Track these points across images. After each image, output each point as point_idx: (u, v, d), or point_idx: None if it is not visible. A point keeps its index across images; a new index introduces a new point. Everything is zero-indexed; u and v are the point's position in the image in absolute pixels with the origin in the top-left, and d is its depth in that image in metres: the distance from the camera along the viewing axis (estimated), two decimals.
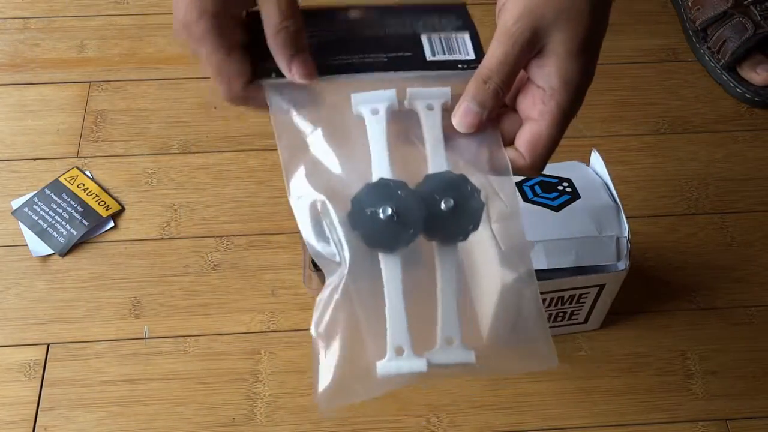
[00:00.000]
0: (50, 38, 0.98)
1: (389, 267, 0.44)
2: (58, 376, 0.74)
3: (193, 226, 0.83)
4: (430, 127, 0.47)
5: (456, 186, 0.45)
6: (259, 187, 0.86)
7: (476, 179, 0.46)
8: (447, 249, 0.45)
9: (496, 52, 0.46)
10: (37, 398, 0.73)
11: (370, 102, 0.46)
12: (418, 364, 0.43)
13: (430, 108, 0.47)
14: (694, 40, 0.97)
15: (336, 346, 0.44)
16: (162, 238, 0.82)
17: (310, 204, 0.45)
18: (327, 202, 0.45)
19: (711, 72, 0.95)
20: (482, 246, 0.49)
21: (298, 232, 0.46)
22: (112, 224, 0.83)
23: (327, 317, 0.44)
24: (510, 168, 0.47)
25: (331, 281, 0.44)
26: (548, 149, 0.47)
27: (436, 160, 0.46)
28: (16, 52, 0.97)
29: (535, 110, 0.47)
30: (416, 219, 0.44)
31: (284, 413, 0.72)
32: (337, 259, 0.44)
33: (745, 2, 0.92)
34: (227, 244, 0.82)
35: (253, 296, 0.79)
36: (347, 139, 0.47)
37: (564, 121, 0.47)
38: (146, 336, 0.76)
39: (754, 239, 0.83)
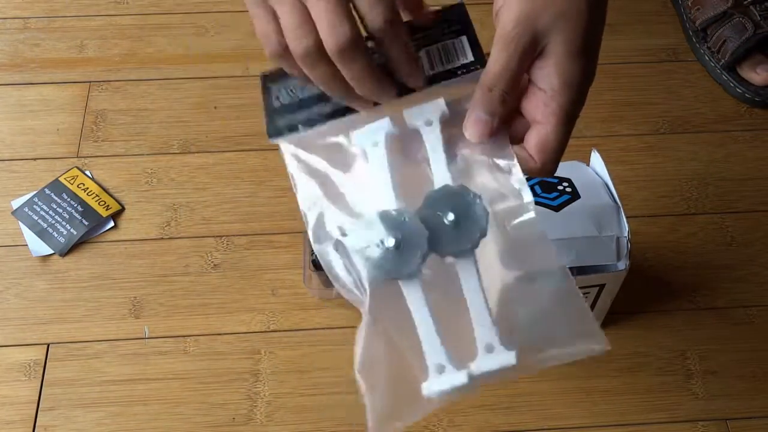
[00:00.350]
0: (50, 38, 0.98)
1: (411, 292, 0.46)
2: (58, 376, 0.74)
3: (193, 226, 0.83)
4: (431, 143, 0.48)
5: (456, 197, 0.47)
6: (259, 187, 0.86)
7: (486, 183, 0.47)
8: (463, 261, 0.46)
9: (497, 57, 0.46)
10: (37, 398, 0.73)
11: (368, 136, 0.48)
12: (460, 377, 0.45)
13: (428, 123, 0.48)
14: (694, 40, 0.97)
15: (379, 378, 0.47)
16: (162, 238, 0.82)
17: (334, 247, 0.47)
18: (344, 242, 0.47)
19: (711, 72, 0.95)
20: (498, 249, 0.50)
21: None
22: (112, 224, 0.83)
23: (364, 352, 0.46)
24: (518, 167, 0.47)
25: (364, 318, 0.46)
26: (557, 150, 0.48)
27: (438, 176, 0.47)
28: (16, 52, 0.97)
29: (539, 113, 0.47)
30: (420, 241, 0.45)
31: (284, 413, 0.72)
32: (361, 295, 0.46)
33: (745, 2, 0.92)
34: (227, 244, 0.82)
35: (253, 296, 0.79)
36: (354, 176, 0.49)
37: (568, 121, 0.47)
38: (146, 336, 0.76)
39: (754, 239, 0.83)
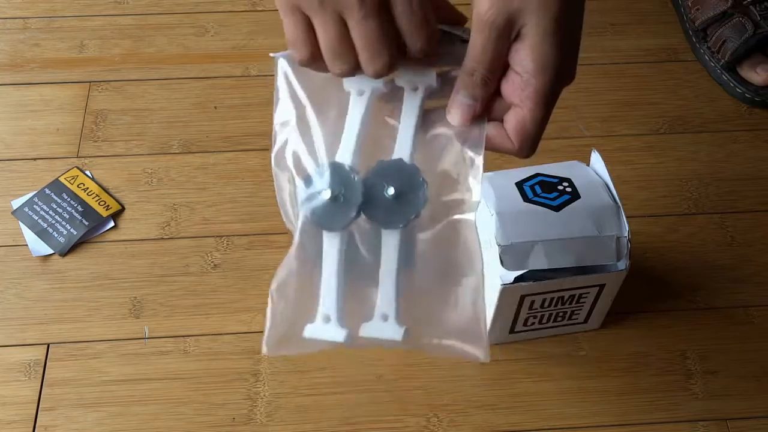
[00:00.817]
0: (50, 38, 0.98)
1: (329, 243, 0.49)
2: (58, 376, 0.74)
3: (193, 226, 0.83)
4: (407, 111, 0.49)
5: (405, 175, 0.49)
6: (259, 187, 0.86)
7: (444, 168, 0.49)
8: (389, 233, 0.49)
9: (475, 42, 0.47)
10: (37, 398, 0.73)
11: (358, 83, 0.50)
12: (339, 334, 0.49)
13: (414, 89, 0.49)
14: (694, 40, 0.97)
15: (283, 303, 0.50)
16: (162, 238, 0.82)
17: (287, 176, 0.51)
18: (295, 176, 0.50)
19: (711, 72, 0.95)
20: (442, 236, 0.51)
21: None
22: (112, 224, 0.83)
23: (280, 276, 0.50)
24: (481, 164, 0.48)
25: (292, 246, 0.50)
26: (534, 133, 0.48)
27: (400, 146, 0.49)
28: (16, 52, 0.97)
29: (516, 96, 0.47)
30: (355, 203, 0.48)
31: (284, 413, 0.72)
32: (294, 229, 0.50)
33: (745, 2, 0.92)
34: (227, 244, 0.82)
35: (253, 296, 0.79)
36: (329, 117, 0.50)
37: (545, 104, 0.47)
38: (146, 336, 0.76)
39: (754, 239, 0.83)
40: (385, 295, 0.49)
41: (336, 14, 0.45)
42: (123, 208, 0.84)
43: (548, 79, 0.47)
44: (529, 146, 0.49)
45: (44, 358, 0.75)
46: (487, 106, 0.49)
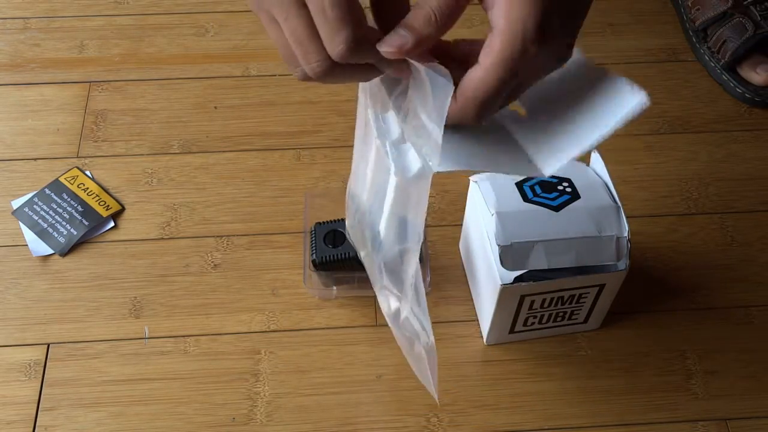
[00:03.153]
0: (50, 38, 0.98)
1: None
2: (58, 376, 0.74)
3: (193, 226, 0.83)
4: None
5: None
6: (259, 187, 0.86)
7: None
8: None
9: None
10: (37, 398, 0.73)
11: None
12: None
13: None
14: (694, 40, 0.97)
15: None
16: (162, 238, 0.82)
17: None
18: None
19: (711, 72, 0.95)
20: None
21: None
22: (112, 224, 0.83)
23: None
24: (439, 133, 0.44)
25: None
26: (481, 93, 0.43)
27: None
28: (16, 52, 0.97)
29: (483, 53, 0.43)
30: None
31: (284, 413, 0.72)
32: None
33: (745, 2, 0.92)
34: (227, 244, 0.82)
35: (253, 296, 0.79)
36: None
37: (503, 65, 0.42)
38: (146, 336, 0.76)
39: (754, 239, 0.83)
40: None
41: (270, 16, 0.43)
42: (123, 208, 0.84)
43: (514, 36, 0.41)
44: (472, 108, 0.43)
45: (44, 358, 0.75)
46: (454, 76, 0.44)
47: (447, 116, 0.44)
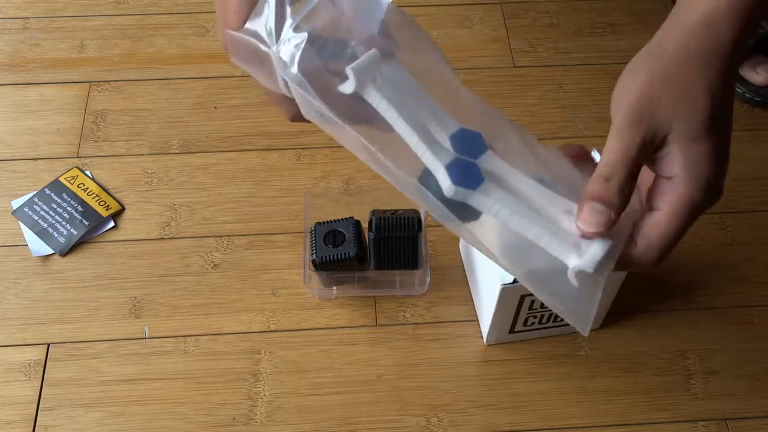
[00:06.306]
0: (50, 38, 0.98)
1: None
2: (58, 376, 0.74)
3: (193, 226, 0.83)
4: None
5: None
6: (259, 187, 0.86)
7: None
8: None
9: (614, 147, 0.44)
10: (37, 398, 0.73)
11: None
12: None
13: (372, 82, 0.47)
14: None
15: None
16: (162, 238, 0.82)
17: None
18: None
19: None
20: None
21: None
22: (112, 224, 0.83)
23: None
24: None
25: None
26: (663, 240, 0.44)
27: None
28: (17, 52, 0.97)
29: (659, 200, 0.44)
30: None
31: (284, 413, 0.72)
32: None
33: None
34: (227, 244, 0.82)
35: (253, 296, 0.79)
36: None
37: (689, 210, 0.44)
38: (146, 336, 0.76)
39: (754, 239, 0.83)
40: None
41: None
42: (123, 208, 0.84)
43: (698, 183, 0.43)
44: (653, 254, 0.44)
45: (44, 358, 0.75)
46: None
47: (623, 260, 0.45)
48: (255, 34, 0.48)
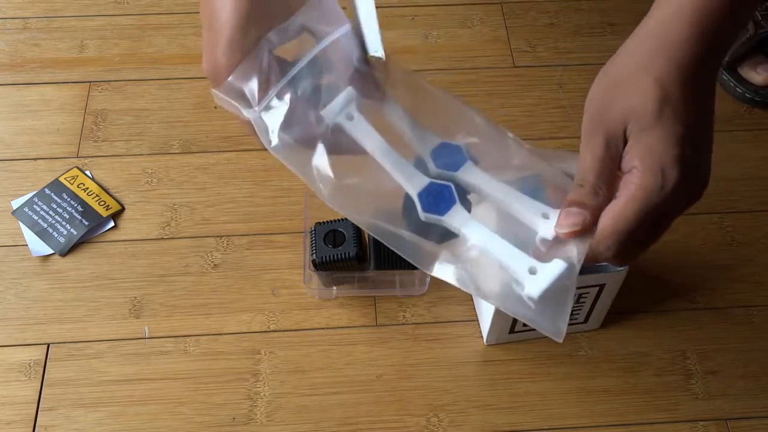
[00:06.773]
0: (50, 38, 0.98)
1: None
2: (58, 376, 0.74)
3: (193, 226, 0.83)
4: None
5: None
6: (259, 187, 0.86)
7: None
8: None
9: (583, 155, 0.46)
10: (37, 398, 0.73)
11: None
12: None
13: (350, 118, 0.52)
14: None
15: None
16: (162, 238, 0.82)
17: None
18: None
19: None
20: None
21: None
22: (112, 224, 0.83)
23: None
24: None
25: None
26: (617, 223, 0.45)
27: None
28: (17, 52, 0.97)
29: (619, 191, 0.46)
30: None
31: (284, 413, 0.72)
32: None
33: None
34: (227, 244, 0.82)
35: (253, 296, 0.79)
36: None
37: (644, 195, 0.44)
38: (146, 336, 0.76)
39: (754, 239, 0.83)
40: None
41: None
42: (123, 208, 0.84)
43: (651, 170, 0.44)
44: (608, 241, 0.45)
45: (44, 358, 0.75)
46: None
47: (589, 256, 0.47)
48: (239, 94, 0.54)
